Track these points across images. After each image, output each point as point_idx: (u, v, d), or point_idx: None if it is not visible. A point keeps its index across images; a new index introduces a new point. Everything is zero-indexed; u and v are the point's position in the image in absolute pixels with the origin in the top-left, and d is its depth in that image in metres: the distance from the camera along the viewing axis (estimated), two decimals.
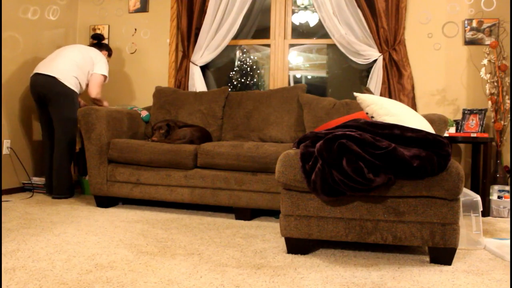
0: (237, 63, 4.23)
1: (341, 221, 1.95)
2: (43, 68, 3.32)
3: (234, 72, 4.23)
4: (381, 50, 3.55)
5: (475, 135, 3.16)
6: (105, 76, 3.52)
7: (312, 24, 4.00)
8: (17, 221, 2.55)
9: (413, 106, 3.50)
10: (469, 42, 3.51)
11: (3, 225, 2.44)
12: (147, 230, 2.42)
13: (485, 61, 3.32)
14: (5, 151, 3.51)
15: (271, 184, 2.77)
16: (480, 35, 3.48)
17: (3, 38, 3.47)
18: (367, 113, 2.18)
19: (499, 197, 3.16)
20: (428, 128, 2.11)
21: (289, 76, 3.96)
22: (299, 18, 4.02)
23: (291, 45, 3.98)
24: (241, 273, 1.73)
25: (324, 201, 1.94)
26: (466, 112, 3.35)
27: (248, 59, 4.21)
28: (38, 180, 3.66)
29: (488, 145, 3.14)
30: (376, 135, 1.89)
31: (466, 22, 3.51)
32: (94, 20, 4.29)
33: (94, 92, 3.46)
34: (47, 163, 3.48)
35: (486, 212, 3.12)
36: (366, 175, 1.77)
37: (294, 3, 4.01)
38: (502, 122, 3.27)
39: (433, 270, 1.84)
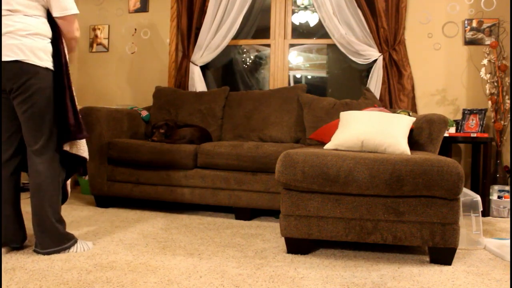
0: (237, 63, 4.23)
1: (341, 221, 1.95)
2: None
3: (234, 72, 4.23)
4: (381, 50, 3.55)
5: (475, 135, 3.16)
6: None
7: (312, 24, 4.00)
8: None
9: (413, 106, 3.50)
10: (469, 42, 3.51)
11: None
12: (147, 230, 2.42)
13: (485, 61, 3.32)
14: None
15: (271, 184, 2.77)
16: (480, 35, 3.48)
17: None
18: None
19: (499, 197, 3.16)
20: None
21: (289, 76, 3.96)
22: (299, 18, 4.02)
23: (291, 45, 3.98)
24: (241, 273, 1.73)
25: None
26: (466, 112, 3.35)
27: (248, 59, 4.21)
28: None
29: (488, 145, 3.14)
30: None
31: (466, 22, 3.51)
32: (94, 20, 4.29)
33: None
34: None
35: (486, 212, 3.12)
36: None
37: (294, 3, 4.00)
38: (502, 122, 3.27)
39: (433, 270, 1.84)
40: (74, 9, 1.93)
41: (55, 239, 1.93)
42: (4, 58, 1.81)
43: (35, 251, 1.93)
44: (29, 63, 1.83)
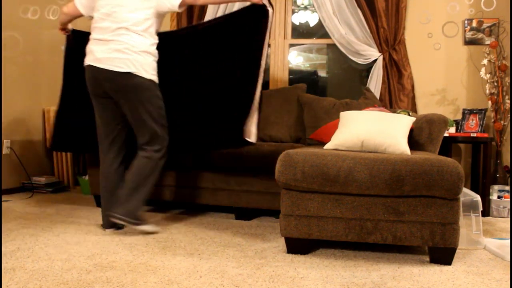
0: None
1: (341, 221, 1.95)
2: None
3: None
4: (381, 50, 3.55)
5: (475, 135, 3.16)
6: None
7: (312, 24, 4.00)
8: (17, 221, 2.55)
9: (413, 106, 3.50)
10: (469, 42, 3.51)
11: (3, 225, 2.44)
12: None
13: (485, 61, 3.32)
14: (5, 151, 3.51)
15: (271, 184, 2.77)
16: (480, 35, 3.48)
17: (3, 38, 3.47)
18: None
19: (499, 197, 3.16)
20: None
21: (289, 76, 3.96)
22: (299, 18, 4.02)
23: (291, 45, 3.98)
24: (241, 273, 1.73)
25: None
26: (466, 112, 3.35)
27: None
28: (38, 180, 3.66)
29: (488, 145, 3.14)
30: None
31: (466, 22, 3.51)
32: None
33: None
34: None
35: (486, 212, 3.12)
36: None
37: (294, 3, 4.00)
38: (502, 122, 3.28)
39: (433, 270, 1.84)
40: None
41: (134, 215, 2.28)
42: (118, 69, 2.20)
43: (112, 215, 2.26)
44: (137, 75, 2.22)
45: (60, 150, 2.93)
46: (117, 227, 2.37)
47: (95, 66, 2.23)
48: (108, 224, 2.35)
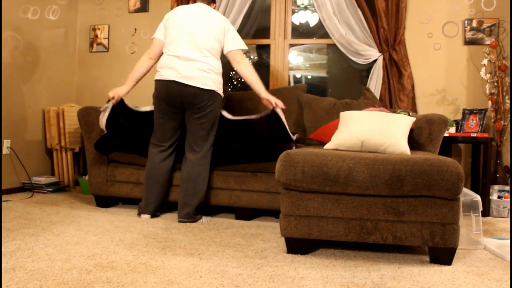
0: None
1: (341, 221, 1.95)
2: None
3: (234, 72, 4.23)
4: (381, 50, 3.55)
5: (475, 135, 3.16)
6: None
7: (312, 24, 4.00)
8: (17, 221, 2.55)
9: (413, 106, 3.50)
10: (469, 42, 3.51)
11: (3, 225, 2.44)
12: (147, 230, 2.42)
13: (485, 61, 3.32)
14: (5, 151, 3.51)
15: (271, 184, 2.77)
16: (480, 35, 3.48)
17: (3, 38, 3.47)
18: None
19: (499, 197, 3.16)
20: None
21: (289, 76, 3.96)
22: (299, 18, 4.02)
23: (291, 45, 3.98)
24: (241, 273, 1.73)
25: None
26: (466, 112, 3.35)
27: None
28: (38, 180, 3.66)
29: (488, 145, 3.14)
30: None
31: (466, 22, 3.51)
32: (94, 20, 4.29)
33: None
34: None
35: (486, 212, 3.12)
36: None
37: (294, 3, 4.00)
38: (502, 122, 3.27)
39: (433, 270, 1.84)
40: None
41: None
42: (204, 87, 2.55)
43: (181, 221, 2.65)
44: (216, 91, 2.63)
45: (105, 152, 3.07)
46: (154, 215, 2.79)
47: (180, 82, 2.53)
48: (145, 211, 2.75)
